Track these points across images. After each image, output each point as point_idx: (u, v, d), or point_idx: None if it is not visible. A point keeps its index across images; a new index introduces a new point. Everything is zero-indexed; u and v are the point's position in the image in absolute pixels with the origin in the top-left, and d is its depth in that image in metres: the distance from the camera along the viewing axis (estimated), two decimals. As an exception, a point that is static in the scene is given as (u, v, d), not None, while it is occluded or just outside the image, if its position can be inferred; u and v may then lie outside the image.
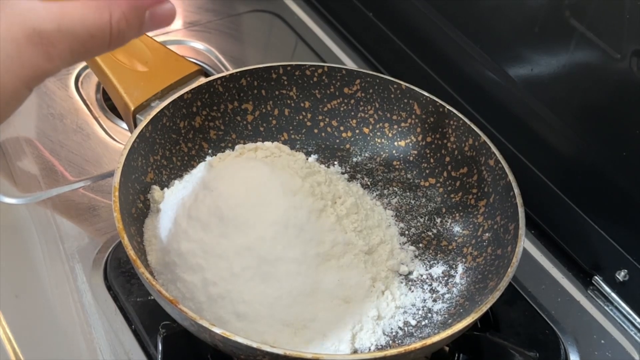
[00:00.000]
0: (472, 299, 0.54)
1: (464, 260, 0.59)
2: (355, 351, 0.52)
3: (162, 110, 0.59)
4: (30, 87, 0.36)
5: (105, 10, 0.37)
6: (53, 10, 0.35)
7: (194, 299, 0.51)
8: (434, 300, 0.57)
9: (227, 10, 0.91)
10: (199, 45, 0.85)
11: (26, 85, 0.35)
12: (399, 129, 0.67)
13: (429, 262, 0.60)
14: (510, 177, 0.58)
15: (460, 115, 0.63)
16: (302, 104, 0.67)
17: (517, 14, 0.64)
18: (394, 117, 0.67)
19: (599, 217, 0.63)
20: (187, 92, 0.61)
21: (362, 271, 0.55)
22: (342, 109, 0.67)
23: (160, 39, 0.70)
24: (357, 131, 0.68)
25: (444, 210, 0.64)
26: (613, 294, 0.64)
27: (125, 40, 0.39)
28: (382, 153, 0.67)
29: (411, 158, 0.67)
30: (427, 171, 0.66)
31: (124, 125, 0.73)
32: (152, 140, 0.58)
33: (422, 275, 0.58)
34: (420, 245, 0.61)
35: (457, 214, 0.63)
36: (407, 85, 0.65)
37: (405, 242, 0.61)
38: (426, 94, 0.64)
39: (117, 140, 0.73)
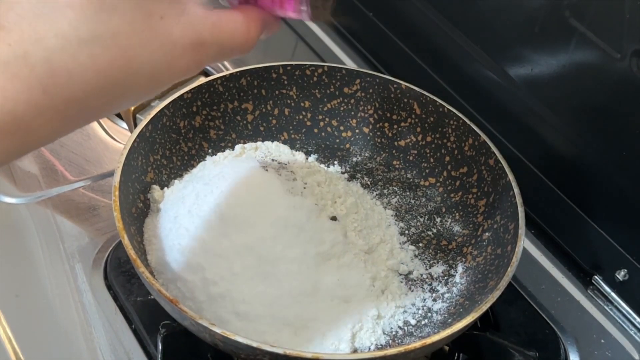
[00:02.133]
0: (471, 298, 0.54)
1: (463, 259, 0.59)
2: (355, 350, 0.52)
3: (162, 109, 0.59)
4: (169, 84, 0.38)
5: (246, 27, 0.39)
6: (213, 21, 0.37)
7: (194, 298, 0.51)
8: (434, 300, 0.57)
9: (227, 10, 0.91)
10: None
11: (169, 84, 0.38)
12: (399, 129, 0.67)
13: (428, 261, 0.60)
14: (510, 176, 0.58)
15: (460, 115, 0.63)
16: (302, 104, 0.67)
17: (517, 14, 0.64)
18: (394, 117, 0.67)
19: (599, 217, 0.63)
20: (187, 92, 0.61)
21: (362, 271, 0.55)
22: (342, 108, 0.67)
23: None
24: (357, 131, 0.68)
25: (443, 209, 0.64)
26: (613, 294, 0.64)
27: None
28: (382, 153, 0.67)
29: (411, 158, 0.67)
30: (427, 171, 0.66)
31: (124, 125, 0.73)
32: (152, 139, 0.58)
33: (422, 275, 0.58)
34: (420, 244, 0.61)
35: (457, 214, 0.63)
36: (407, 85, 0.65)
37: (405, 242, 0.61)
38: (426, 93, 0.64)
39: (117, 140, 0.73)
